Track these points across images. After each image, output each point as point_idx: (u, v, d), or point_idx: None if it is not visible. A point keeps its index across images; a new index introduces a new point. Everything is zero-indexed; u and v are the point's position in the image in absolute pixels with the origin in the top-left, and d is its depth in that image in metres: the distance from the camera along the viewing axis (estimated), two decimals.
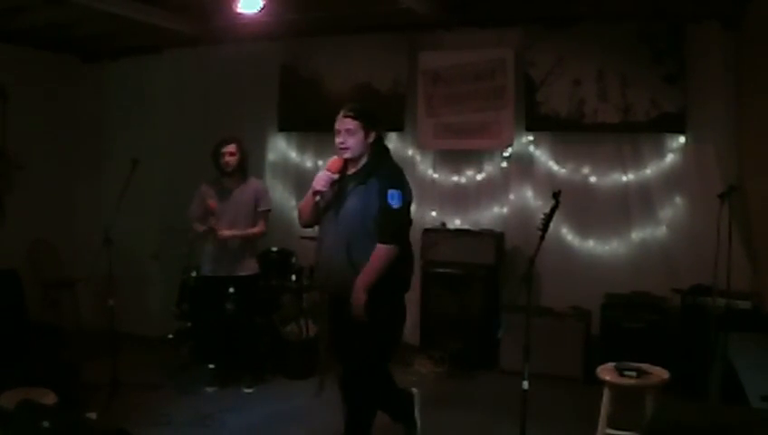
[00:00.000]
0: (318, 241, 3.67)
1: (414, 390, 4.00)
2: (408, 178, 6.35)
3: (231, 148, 5.07)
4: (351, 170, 3.58)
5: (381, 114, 6.02)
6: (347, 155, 3.53)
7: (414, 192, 6.22)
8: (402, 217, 3.50)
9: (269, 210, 5.27)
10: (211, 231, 5.01)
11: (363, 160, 3.56)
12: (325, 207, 3.60)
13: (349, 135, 3.50)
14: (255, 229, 5.13)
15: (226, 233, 4.99)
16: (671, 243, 5.41)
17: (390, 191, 3.43)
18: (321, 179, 3.52)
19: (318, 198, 3.55)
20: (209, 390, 5.08)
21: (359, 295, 3.39)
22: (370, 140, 3.56)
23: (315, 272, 3.76)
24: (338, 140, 3.53)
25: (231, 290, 5.04)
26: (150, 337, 6.22)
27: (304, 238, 6.07)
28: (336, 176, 3.55)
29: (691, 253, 5.22)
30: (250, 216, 5.12)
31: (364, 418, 3.65)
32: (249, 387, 5.16)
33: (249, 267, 5.14)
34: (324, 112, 6.29)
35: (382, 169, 3.53)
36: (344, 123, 3.52)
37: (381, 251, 3.40)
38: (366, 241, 3.43)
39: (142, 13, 5.56)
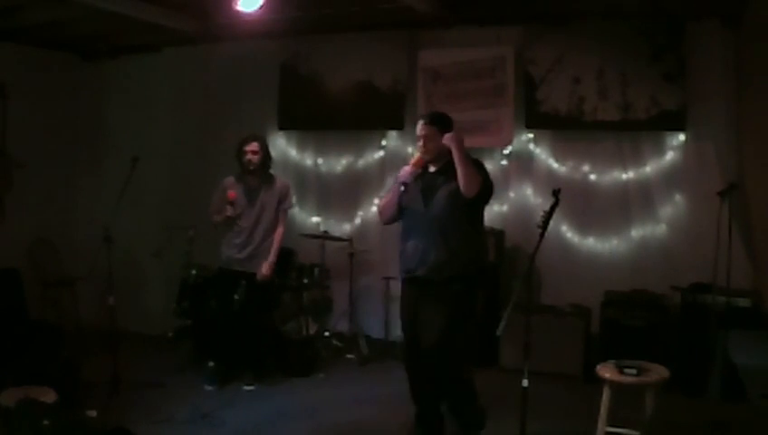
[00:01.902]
0: (404, 234, 4.00)
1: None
2: None
3: (253, 146, 5.10)
4: (433, 169, 3.96)
5: (381, 112, 6.14)
6: (427, 157, 3.93)
7: None
8: (489, 182, 3.86)
9: (290, 208, 5.39)
10: (228, 219, 5.04)
11: (445, 159, 3.88)
12: (408, 204, 3.95)
13: (427, 140, 3.90)
14: (279, 236, 5.22)
15: (266, 271, 5.11)
16: (671, 241, 5.41)
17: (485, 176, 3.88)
18: (407, 173, 3.93)
19: (402, 188, 3.91)
20: (209, 388, 5.07)
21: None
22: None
23: (402, 263, 4.02)
24: (419, 144, 3.95)
25: (243, 283, 5.08)
26: (150, 335, 6.23)
27: (304, 236, 6.15)
28: (419, 171, 3.94)
29: (691, 251, 5.23)
30: (273, 215, 5.19)
31: (461, 395, 3.92)
32: (249, 384, 5.16)
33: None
34: (324, 110, 6.39)
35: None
36: (422, 130, 3.93)
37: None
38: (460, 228, 3.82)
39: (142, 11, 5.55)
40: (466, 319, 3.94)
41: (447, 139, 3.79)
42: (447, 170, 3.84)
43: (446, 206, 3.81)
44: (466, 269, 3.83)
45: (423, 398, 4.00)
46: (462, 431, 4.02)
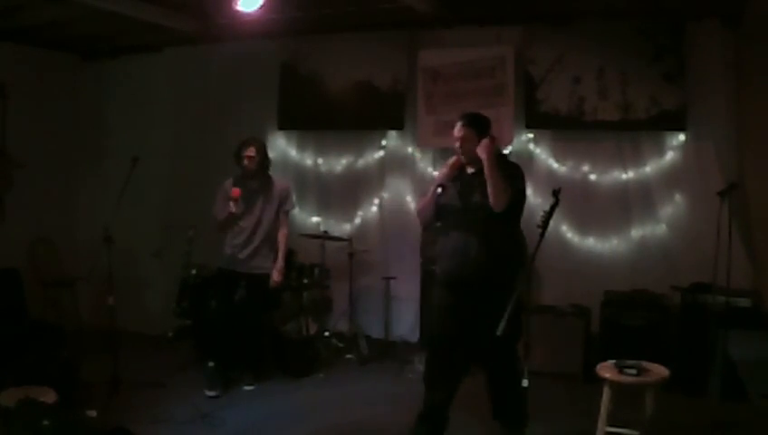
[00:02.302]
0: (443, 235, 3.99)
1: None
2: (407, 176, 6.40)
3: (251, 151, 5.09)
4: (471, 170, 3.94)
5: (381, 112, 6.14)
6: (464, 159, 3.93)
7: (413, 190, 6.28)
8: (521, 193, 3.89)
9: (290, 210, 5.38)
10: (232, 217, 5.00)
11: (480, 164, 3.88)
12: (447, 205, 3.94)
13: (464, 141, 3.90)
14: (284, 239, 5.23)
15: (277, 278, 5.15)
16: (671, 241, 5.41)
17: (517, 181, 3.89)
18: (443, 175, 3.96)
19: (440, 190, 3.92)
20: (210, 394, 4.95)
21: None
22: None
23: (441, 263, 4.00)
24: (456, 145, 3.94)
25: (242, 283, 5.08)
26: (150, 335, 6.24)
27: (304, 236, 6.15)
28: (456, 172, 3.95)
29: (691, 251, 5.22)
30: (273, 216, 5.19)
31: (520, 390, 3.74)
32: (249, 384, 5.15)
33: (265, 266, 5.16)
34: (324, 110, 6.39)
35: (501, 165, 3.90)
36: (459, 131, 3.92)
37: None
38: (498, 229, 3.79)
39: (142, 11, 5.55)
40: (516, 322, 3.86)
41: (480, 149, 3.78)
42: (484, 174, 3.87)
43: (484, 207, 3.78)
44: (507, 270, 3.78)
45: (439, 396, 3.93)
46: (506, 431, 4.00)
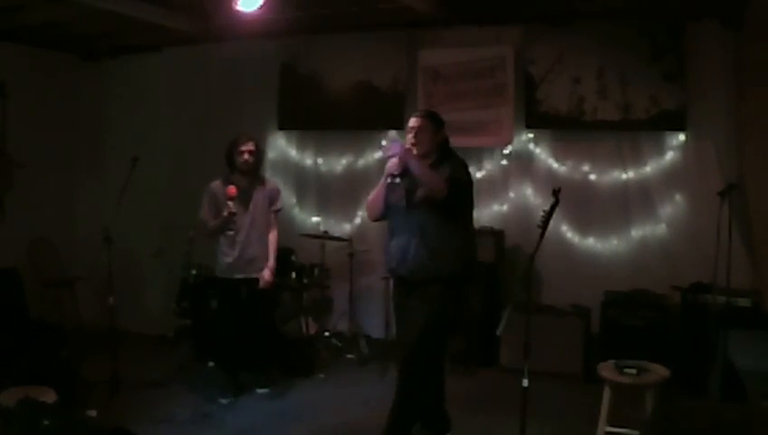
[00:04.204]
0: (390, 231, 4.02)
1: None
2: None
3: (250, 146, 4.92)
4: None
5: (381, 112, 6.15)
6: (418, 150, 3.88)
7: None
8: (468, 189, 3.89)
9: (280, 210, 5.25)
10: (231, 217, 4.76)
11: (432, 159, 3.90)
12: (393, 203, 3.94)
13: (420, 132, 3.90)
14: (275, 239, 5.09)
15: (269, 277, 4.98)
16: (671, 241, 5.41)
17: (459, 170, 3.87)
18: (394, 165, 3.84)
19: (390, 180, 3.86)
20: (224, 401, 4.87)
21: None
22: (439, 139, 3.95)
23: (387, 258, 4.03)
24: (409, 136, 3.93)
25: (244, 291, 4.94)
26: (150, 335, 6.24)
27: (304, 236, 6.15)
28: (403, 167, 3.86)
29: (691, 250, 5.23)
30: (267, 216, 5.05)
31: (413, 401, 3.80)
32: (263, 388, 5.06)
33: (263, 268, 5.01)
34: (324, 110, 6.39)
35: (449, 161, 3.92)
36: (416, 122, 3.94)
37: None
38: (440, 228, 3.78)
39: (142, 11, 5.55)
40: (443, 320, 3.87)
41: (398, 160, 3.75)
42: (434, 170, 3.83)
43: (426, 205, 3.79)
44: (448, 269, 3.79)
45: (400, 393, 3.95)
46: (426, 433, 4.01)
